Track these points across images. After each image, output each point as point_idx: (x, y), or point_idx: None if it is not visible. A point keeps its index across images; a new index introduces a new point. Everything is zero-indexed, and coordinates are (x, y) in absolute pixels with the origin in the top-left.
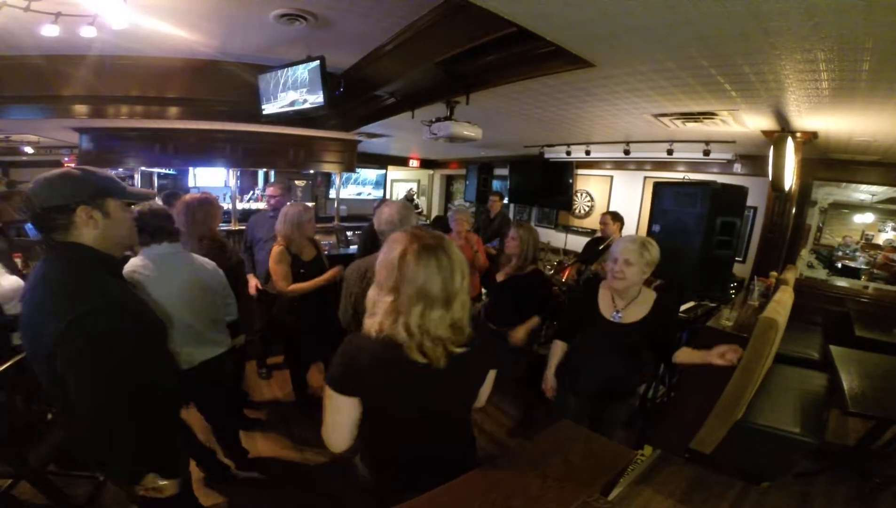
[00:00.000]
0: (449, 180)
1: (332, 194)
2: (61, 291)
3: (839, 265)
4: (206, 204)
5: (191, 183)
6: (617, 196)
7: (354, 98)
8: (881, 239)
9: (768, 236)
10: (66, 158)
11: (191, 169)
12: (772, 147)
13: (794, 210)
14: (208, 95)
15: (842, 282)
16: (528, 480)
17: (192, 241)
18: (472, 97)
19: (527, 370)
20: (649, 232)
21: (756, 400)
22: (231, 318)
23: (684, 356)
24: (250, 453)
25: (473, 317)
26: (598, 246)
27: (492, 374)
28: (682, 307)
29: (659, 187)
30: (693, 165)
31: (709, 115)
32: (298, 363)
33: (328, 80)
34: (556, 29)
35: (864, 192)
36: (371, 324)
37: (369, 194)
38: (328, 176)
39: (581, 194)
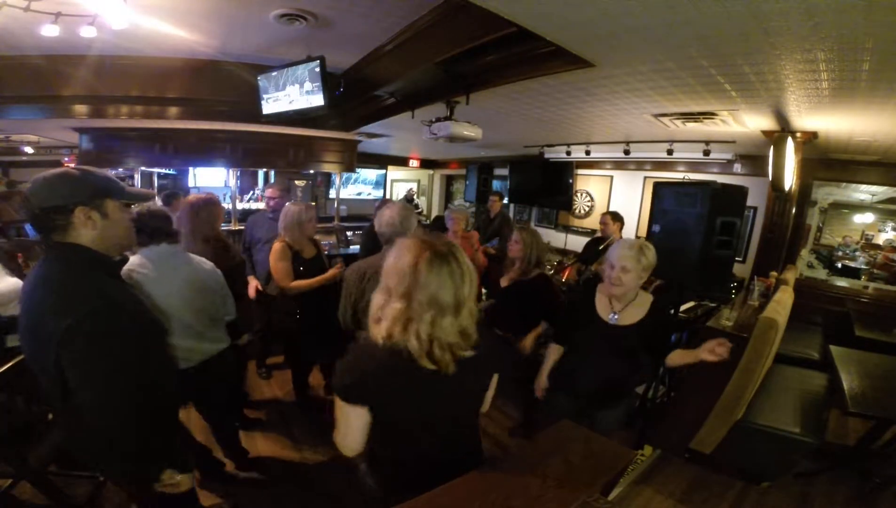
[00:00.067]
0: (449, 180)
1: (332, 193)
2: (61, 291)
3: (839, 265)
4: (210, 204)
5: (191, 183)
6: (617, 196)
7: (354, 98)
8: (881, 239)
9: (768, 236)
10: (66, 158)
11: (191, 169)
12: (772, 147)
13: (794, 210)
14: (208, 95)
15: (842, 282)
16: (528, 480)
17: (197, 241)
18: (472, 97)
19: (526, 370)
20: (649, 232)
21: (756, 400)
22: (230, 318)
23: (676, 357)
24: (250, 453)
25: (478, 321)
26: (598, 246)
27: (496, 378)
28: (682, 307)
29: (659, 187)
30: (693, 165)
31: (709, 115)
32: (299, 363)
33: (328, 80)
34: (556, 29)
35: (864, 192)
36: (378, 331)
37: (369, 193)
38: (328, 176)
39: (581, 194)
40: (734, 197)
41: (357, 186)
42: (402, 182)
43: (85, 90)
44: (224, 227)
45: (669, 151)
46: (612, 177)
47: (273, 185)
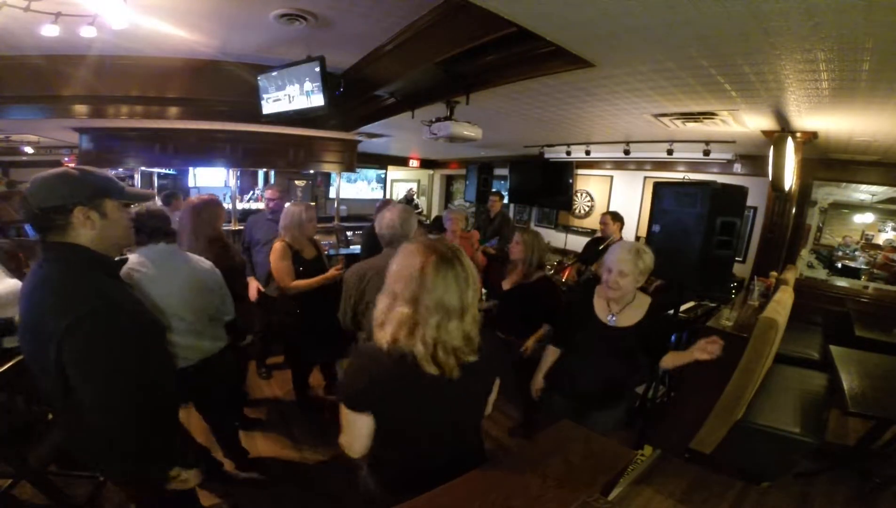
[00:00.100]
0: (449, 180)
1: (332, 193)
2: (61, 291)
3: (839, 265)
4: (212, 205)
5: (191, 183)
6: (617, 196)
7: (354, 98)
8: (881, 239)
9: (768, 236)
10: (66, 158)
11: (191, 169)
12: (772, 147)
13: (794, 210)
14: (208, 95)
15: (842, 282)
16: (528, 480)
17: (199, 241)
18: (472, 97)
19: (527, 371)
20: (649, 232)
21: (756, 400)
22: (228, 317)
23: (669, 360)
24: (250, 453)
25: (480, 325)
26: (598, 246)
27: (497, 382)
28: (682, 307)
29: (659, 187)
30: (693, 165)
31: (709, 115)
32: (299, 363)
33: (328, 80)
34: (556, 29)
35: (864, 192)
36: (382, 335)
37: (373, 189)
38: (328, 176)
39: (581, 194)
40: (734, 197)
41: (363, 183)
42: (402, 182)
43: (85, 90)
44: (224, 227)
45: (669, 151)
46: (612, 177)
47: (272, 186)
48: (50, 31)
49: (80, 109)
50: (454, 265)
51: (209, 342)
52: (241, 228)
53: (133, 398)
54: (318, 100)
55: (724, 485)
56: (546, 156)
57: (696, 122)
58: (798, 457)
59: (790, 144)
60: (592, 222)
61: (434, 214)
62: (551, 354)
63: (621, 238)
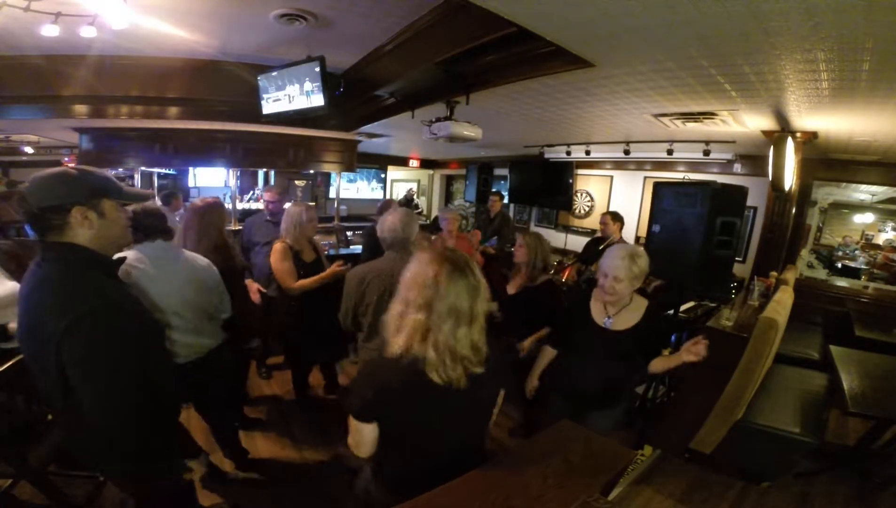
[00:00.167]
0: (449, 180)
1: (332, 193)
2: (60, 292)
3: (839, 265)
4: (216, 206)
5: (191, 183)
6: (617, 196)
7: (354, 98)
8: (881, 239)
9: (768, 236)
10: (66, 158)
11: (191, 169)
12: (772, 147)
13: (794, 210)
14: (208, 95)
15: (842, 282)
16: (528, 480)
17: (203, 243)
18: (472, 97)
19: (527, 371)
20: (649, 232)
21: (756, 400)
22: (226, 315)
23: (658, 364)
24: (250, 453)
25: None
26: (598, 246)
27: (502, 393)
28: (682, 307)
29: (659, 187)
30: (693, 165)
31: (709, 115)
32: (299, 363)
33: (328, 80)
34: (556, 29)
35: (864, 192)
36: (396, 342)
37: (373, 189)
38: (328, 176)
39: (581, 194)
40: (734, 197)
41: (358, 184)
42: (402, 182)
43: (85, 90)
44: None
45: (669, 151)
46: (612, 177)
47: (271, 187)
48: (50, 31)
49: (80, 109)
50: (466, 275)
51: (206, 340)
52: (240, 228)
53: (133, 398)
54: (318, 100)
55: (724, 485)
56: (546, 156)
57: (696, 122)
58: (798, 457)
59: (790, 144)
60: (592, 222)
61: (434, 214)
62: (547, 354)
63: (621, 238)
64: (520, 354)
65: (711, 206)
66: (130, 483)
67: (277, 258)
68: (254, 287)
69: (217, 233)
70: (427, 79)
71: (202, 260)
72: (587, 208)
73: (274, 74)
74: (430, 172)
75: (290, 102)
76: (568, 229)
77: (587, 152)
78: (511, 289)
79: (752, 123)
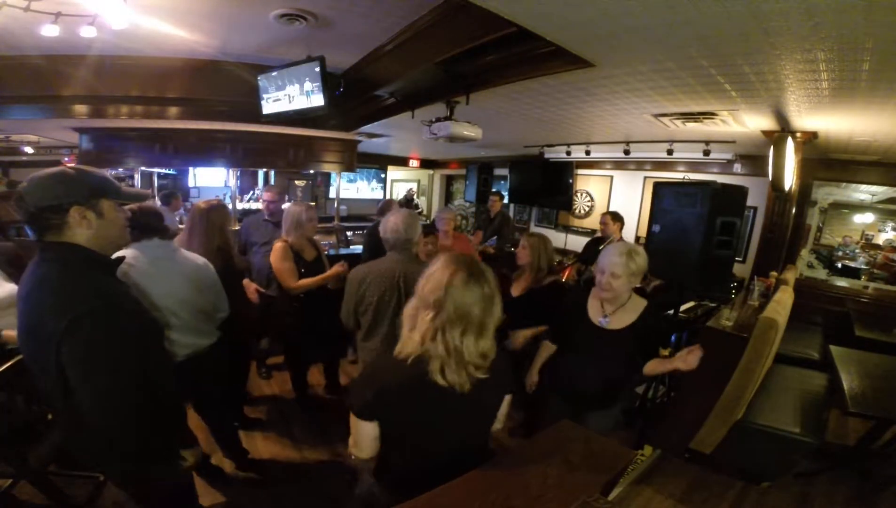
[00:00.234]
0: (449, 180)
1: (332, 193)
2: (59, 292)
3: (839, 265)
4: (221, 207)
5: (191, 183)
6: (617, 196)
7: (354, 98)
8: (881, 239)
9: (768, 236)
10: (66, 158)
11: (191, 169)
12: (772, 147)
13: (794, 210)
14: (208, 95)
15: (842, 282)
16: (528, 480)
17: (208, 244)
18: (472, 97)
19: (521, 366)
20: (649, 232)
21: (756, 400)
22: (223, 314)
23: (652, 367)
24: (250, 453)
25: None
26: (598, 246)
27: (509, 397)
28: (682, 307)
29: (659, 187)
30: (693, 165)
31: (709, 115)
32: (298, 363)
33: (328, 80)
34: (556, 29)
35: (864, 192)
36: (412, 338)
37: (373, 189)
38: (328, 176)
39: (581, 194)
40: (734, 197)
41: (358, 184)
42: (402, 182)
43: (85, 90)
44: None
45: (669, 151)
46: (612, 177)
47: (271, 187)
48: (50, 31)
49: (80, 109)
50: (481, 283)
51: (202, 339)
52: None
53: (133, 398)
54: (318, 100)
55: (724, 485)
56: (546, 156)
57: (696, 122)
58: (798, 457)
59: (790, 144)
60: (592, 222)
61: (434, 214)
62: (546, 349)
63: (621, 238)
64: (510, 346)
65: (711, 206)
66: (130, 484)
67: (278, 258)
68: (252, 288)
69: (220, 234)
70: (427, 79)
71: (199, 259)
72: (587, 208)
73: (274, 74)
74: (430, 172)
75: (290, 102)
76: (568, 229)
77: (587, 152)
78: (515, 291)
79: (752, 123)
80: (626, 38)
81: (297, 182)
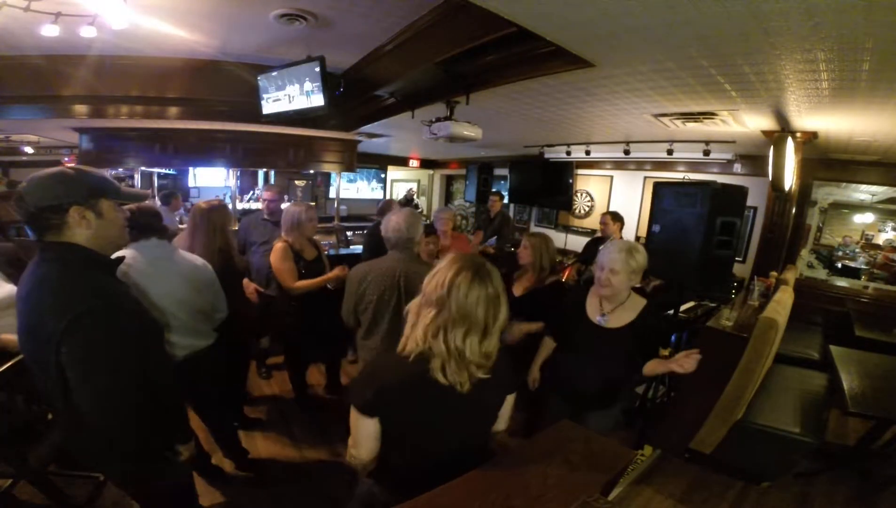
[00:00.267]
0: (449, 180)
1: (332, 193)
2: (59, 291)
3: (839, 265)
4: (222, 208)
5: (191, 183)
6: (617, 196)
7: (354, 98)
8: (881, 239)
9: (768, 236)
10: (67, 158)
11: (191, 169)
12: (772, 147)
13: (794, 210)
14: (208, 95)
15: (842, 282)
16: (529, 480)
17: (210, 244)
18: (472, 97)
19: (521, 361)
20: (649, 232)
21: (756, 400)
22: (221, 315)
23: (651, 367)
24: (250, 453)
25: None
26: (598, 246)
27: (511, 397)
28: (682, 307)
29: (659, 187)
30: (693, 165)
31: (709, 115)
32: (298, 362)
33: (328, 80)
34: (556, 29)
35: (864, 192)
36: (414, 335)
37: (373, 189)
38: (328, 176)
39: (581, 194)
40: (734, 197)
41: (358, 184)
42: (402, 182)
43: (85, 90)
44: None
45: (669, 151)
46: (612, 177)
47: (271, 186)
48: (50, 31)
49: (80, 109)
50: (486, 283)
51: (200, 340)
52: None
53: (133, 398)
54: (318, 100)
55: (724, 485)
56: (546, 156)
57: (696, 122)
58: (798, 457)
59: (790, 144)
60: (592, 222)
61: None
62: (547, 346)
63: (621, 238)
64: (507, 339)
65: (711, 206)
66: (130, 484)
67: (278, 258)
68: (251, 287)
69: (221, 234)
70: (427, 79)
71: (198, 260)
72: (587, 208)
73: (274, 74)
74: (430, 172)
75: (290, 102)
76: (568, 229)
77: (587, 152)
78: (517, 291)
79: (752, 123)
80: (626, 38)
81: (297, 182)
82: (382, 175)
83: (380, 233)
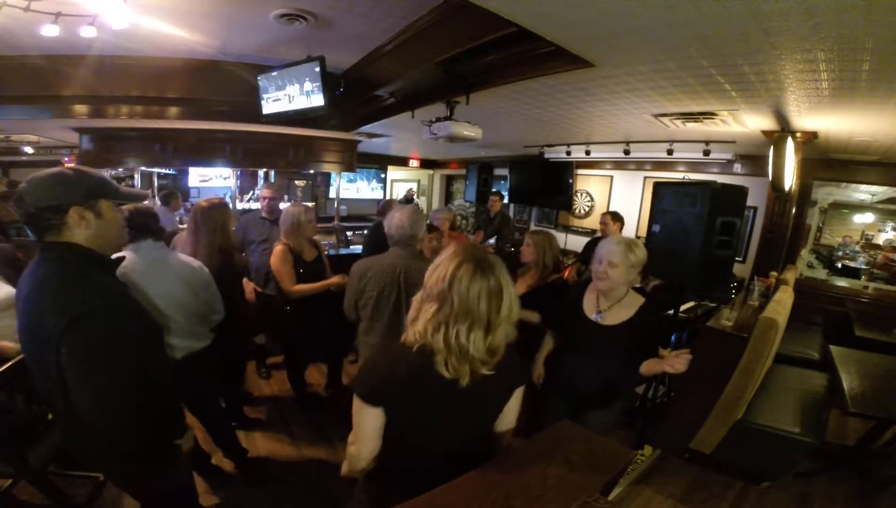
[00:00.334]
0: (449, 180)
1: (332, 193)
2: (59, 291)
3: (839, 265)
4: (222, 206)
5: (191, 183)
6: (617, 196)
7: (354, 98)
8: (881, 239)
9: (768, 236)
10: (66, 159)
11: (191, 169)
12: (772, 147)
13: (794, 210)
14: (208, 95)
15: (842, 282)
16: (528, 480)
17: (211, 244)
18: (472, 97)
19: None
20: (649, 232)
21: (756, 400)
22: (217, 316)
23: (647, 367)
24: (250, 452)
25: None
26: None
27: (518, 392)
28: (682, 307)
29: (659, 187)
30: (693, 165)
31: (709, 115)
32: (297, 362)
33: (328, 80)
34: (556, 29)
35: (864, 192)
36: (414, 328)
37: (373, 189)
38: (328, 176)
39: (581, 194)
40: (734, 197)
41: (359, 183)
42: (402, 182)
43: (85, 90)
44: None
45: (669, 151)
46: (612, 177)
47: (270, 184)
48: (50, 31)
49: (80, 109)
50: (488, 276)
51: (197, 342)
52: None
53: (133, 398)
54: (318, 100)
55: (724, 485)
56: (546, 156)
57: (696, 122)
58: (798, 457)
59: (790, 144)
60: (592, 222)
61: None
62: (549, 340)
63: None
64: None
65: (711, 206)
66: (130, 484)
67: (278, 260)
68: (249, 287)
69: (222, 233)
70: (427, 79)
71: (194, 261)
72: (587, 208)
73: (274, 74)
74: (430, 172)
75: (290, 102)
76: (568, 229)
77: (587, 152)
78: (520, 289)
79: (752, 123)
80: (626, 38)
81: (296, 182)
82: (382, 175)
83: (380, 232)
